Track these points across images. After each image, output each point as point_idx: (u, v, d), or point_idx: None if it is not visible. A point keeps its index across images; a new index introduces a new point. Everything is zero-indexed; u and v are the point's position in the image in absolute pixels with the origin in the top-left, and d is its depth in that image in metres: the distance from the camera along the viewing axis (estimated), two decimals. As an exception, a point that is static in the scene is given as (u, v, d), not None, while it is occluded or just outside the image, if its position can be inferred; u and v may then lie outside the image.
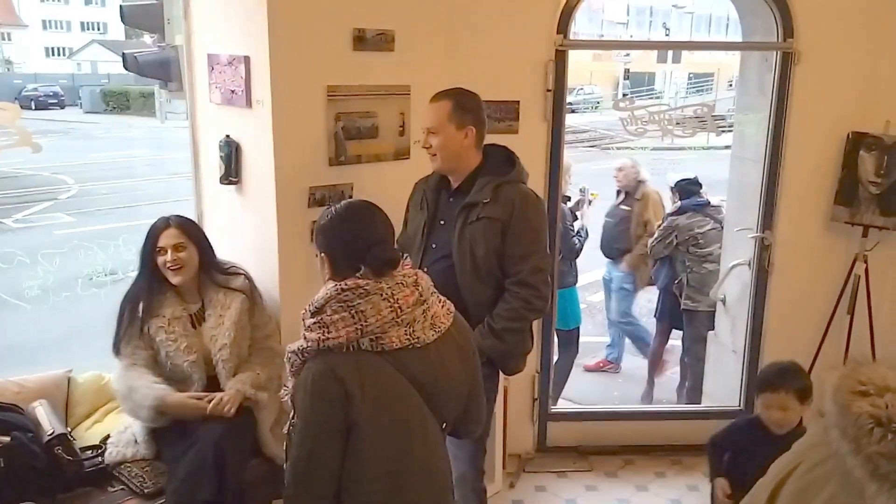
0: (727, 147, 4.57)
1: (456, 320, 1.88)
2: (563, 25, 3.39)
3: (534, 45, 3.41)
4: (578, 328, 5.05)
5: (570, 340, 4.90)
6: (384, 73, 3.08)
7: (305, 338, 1.68)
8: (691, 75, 21.93)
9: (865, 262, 3.59)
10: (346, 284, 1.69)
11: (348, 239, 1.78)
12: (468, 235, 2.49)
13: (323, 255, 1.80)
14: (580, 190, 5.32)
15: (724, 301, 4.26)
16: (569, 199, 4.80)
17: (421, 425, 1.76)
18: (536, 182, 3.44)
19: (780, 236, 3.69)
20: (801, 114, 3.53)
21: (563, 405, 4.46)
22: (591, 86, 19.06)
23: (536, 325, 3.65)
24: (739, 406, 3.94)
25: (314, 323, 1.67)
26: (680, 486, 3.67)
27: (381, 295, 1.68)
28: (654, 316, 5.22)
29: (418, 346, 1.72)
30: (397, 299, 1.69)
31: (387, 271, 1.73)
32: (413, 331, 1.71)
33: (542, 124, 3.48)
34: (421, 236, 2.61)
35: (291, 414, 1.71)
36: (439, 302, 1.84)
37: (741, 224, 3.93)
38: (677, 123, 3.69)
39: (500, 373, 2.72)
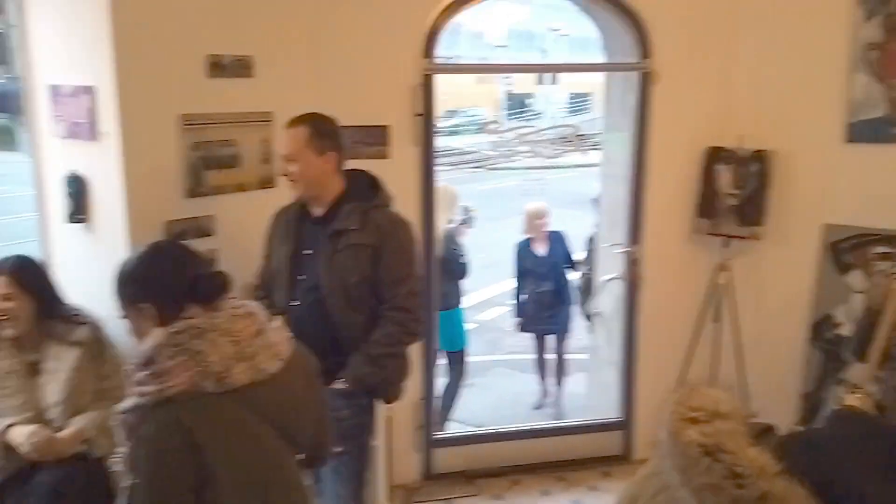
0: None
1: (296, 345, 1.79)
2: (429, 49, 3.39)
3: (400, 70, 3.38)
4: (465, 349, 5.05)
5: (457, 362, 4.88)
6: (244, 100, 2.97)
7: (139, 393, 1.55)
8: (570, 95, 22.76)
9: (728, 271, 3.75)
10: (177, 327, 1.56)
11: (167, 279, 1.65)
12: (337, 264, 2.42)
13: (142, 306, 1.64)
14: (464, 209, 5.36)
15: (599, 315, 4.36)
16: (452, 221, 4.81)
17: (278, 467, 1.66)
18: (410, 206, 3.41)
19: (647, 250, 3.81)
20: (661, 131, 3.67)
21: (452, 429, 4.43)
22: (474, 108, 19.44)
23: (418, 351, 3.63)
24: (620, 417, 4.02)
25: (147, 375, 1.54)
26: (565, 503, 3.69)
27: (218, 331, 1.57)
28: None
29: (264, 378, 1.62)
30: (236, 332, 1.59)
31: (219, 302, 1.62)
32: (257, 363, 1.61)
33: (414, 148, 3.45)
34: (287, 269, 2.51)
35: (130, 478, 1.55)
36: (276, 330, 1.75)
37: (612, 239, 4.03)
38: (552, 143, 3.76)
39: (378, 402, 2.65)
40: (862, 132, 3.44)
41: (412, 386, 3.64)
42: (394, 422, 3.54)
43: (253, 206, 2.95)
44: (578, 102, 22.37)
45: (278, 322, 1.79)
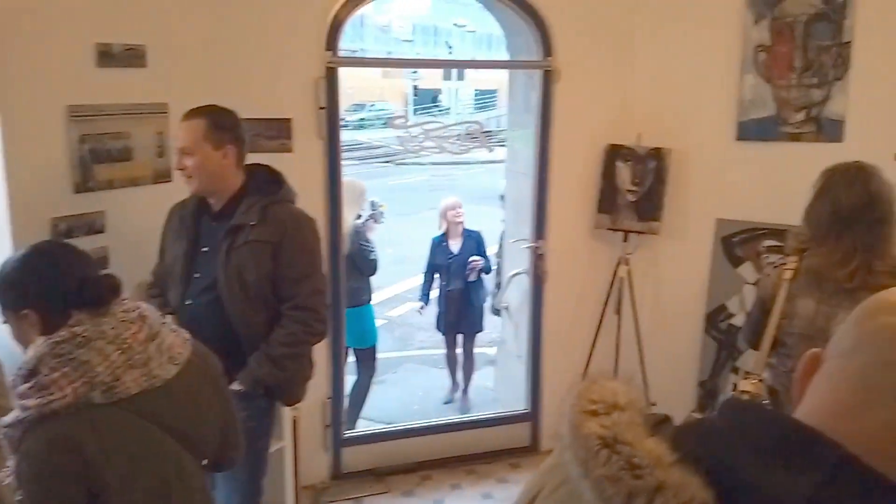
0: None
1: (196, 347, 1.72)
2: (332, 42, 3.33)
3: (302, 62, 3.31)
4: (375, 346, 5.01)
5: (367, 359, 4.84)
6: (136, 91, 2.83)
7: (22, 407, 1.44)
8: (477, 92, 22.97)
9: (628, 265, 3.86)
10: (59, 336, 1.47)
11: (49, 283, 1.55)
12: (235, 261, 2.33)
13: (23, 312, 1.54)
14: (371, 203, 5.30)
15: (507, 309, 4.42)
16: (360, 216, 4.75)
17: (179, 476, 1.59)
18: (315, 200, 3.35)
19: (551, 245, 3.88)
20: (563, 129, 3.74)
21: (363, 426, 4.39)
22: (382, 102, 19.34)
23: (325, 349, 3.57)
24: (527, 409, 4.08)
25: (30, 388, 1.43)
26: (475, 496, 3.72)
27: (106, 338, 1.49)
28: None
29: (159, 385, 1.55)
30: (125, 339, 1.50)
31: (108, 306, 1.54)
32: (150, 370, 1.53)
33: (318, 142, 3.39)
34: (182, 266, 2.41)
35: (17, 493, 1.45)
36: (173, 332, 1.67)
37: (518, 235, 4.09)
38: (458, 139, 3.77)
39: (277, 404, 2.58)
40: (751, 131, 3.60)
41: (320, 385, 3.60)
42: (300, 422, 3.47)
43: (147, 201, 2.82)
44: (485, 99, 22.64)
45: (174, 324, 1.71)
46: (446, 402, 5.37)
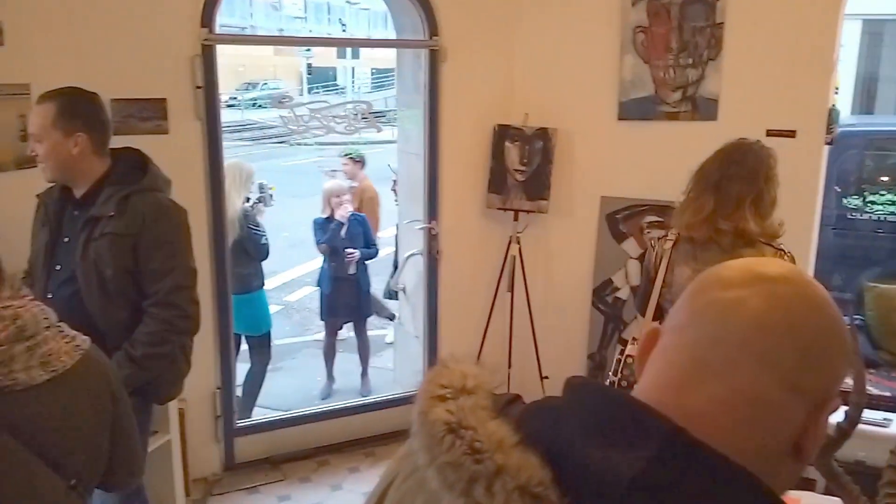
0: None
1: (87, 357, 1.61)
2: (208, 18, 3.19)
3: (176, 39, 3.16)
4: (269, 333, 4.90)
5: (261, 346, 4.72)
6: (-7, 70, 2.63)
7: None
8: (374, 70, 22.69)
9: (519, 243, 3.92)
10: None
11: None
12: (93, 254, 2.19)
13: None
14: (259, 186, 5.13)
15: (404, 290, 4.41)
16: (248, 199, 4.60)
17: (28, 487, 1.49)
18: (194, 185, 3.23)
19: (444, 225, 3.89)
20: (451, 109, 3.74)
21: (260, 414, 4.28)
22: (275, 80, 18.82)
23: (212, 338, 3.46)
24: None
25: None
26: (373, 478, 3.66)
27: None
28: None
29: (18, 388, 1.45)
30: None
31: None
32: (10, 370, 1.43)
33: (196, 123, 3.25)
34: (44, 257, 2.26)
35: None
36: (63, 337, 1.56)
37: (412, 216, 4.08)
38: (346, 119, 3.70)
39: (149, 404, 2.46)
40: (631, 110, 3.72)
41: (208, 375, 3.49)
42: (188, 414, 3.37)
43: (9, 188, 2.65)
44: (383, 78, 22.41)
45: (71, 331, 1.59)
46: (323, 398, 5.04)
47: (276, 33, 18.05)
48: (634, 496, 0.61)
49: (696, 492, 0.62)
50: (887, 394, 3.63)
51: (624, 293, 3.95)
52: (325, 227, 4.91)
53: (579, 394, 0.72)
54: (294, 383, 5.41)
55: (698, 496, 0.62)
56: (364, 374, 5.19)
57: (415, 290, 4.21)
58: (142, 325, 2.23)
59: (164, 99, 3.15)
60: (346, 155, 5.55)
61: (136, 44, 3.07)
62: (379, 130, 3.94)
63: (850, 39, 11.00)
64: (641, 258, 3.89)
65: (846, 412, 1.60)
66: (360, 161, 5.51)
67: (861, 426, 3.55)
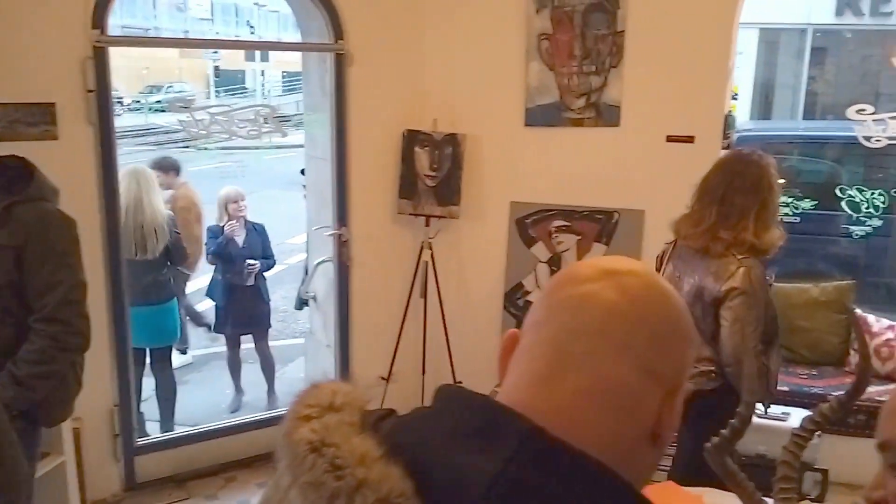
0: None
1: None
2: (99, 20, 3.04)
3: (65, 41, 2.99)
4: (175, 345, 4.72)
5: (163, 360, 4.54)
6: None
7: None
8: (285, 73, 22.30)
9: (431, 249, 3.91)
10: None
11: None
12: None
13: None
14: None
15: (314, 298, 4.33)
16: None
17: None
18: (86, 192, 3.08)
19: (355, 231, 3.84)
20: (359, 113, 3.70)
21: (174, 430, 4.12)
22: (180, 83, 18.22)
23: (108, 353, 3.30)
24: (335, 400, 4.02)
25: None
26: (284, 493, 3.61)
27: None
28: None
29: None
30: None
31: None
32: None
33: (87, 128, 3.09)
34: None
35: None
36: None
37: (321, 222, 4.00)
38: (250, 123, 3.59)
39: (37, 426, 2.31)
40: (537, 117, 3.76)
41: (105, 392, 3.33)
42: (84, 433, 3.19)
43: None
44: (294, 81, 22.04)
45: None
46: (232, 411, 4.86)
47: (181, 35, 17.51)
48: (492, 499, 0.61)
49: (554, 491, 0.63)
50: (785, 388, 3.80)
51: (534, 297, 4.00)
52: (218, 235, 4.73)
53: (445, 401, 0.73)
54: (202, 397, 5.23)
55: (556, 495, 0.63)
56: (270, 390, 4.97)
57: (325, 298, 4.14)
58: (27, 343, 2.09)
59: (53, 103, 2.98)
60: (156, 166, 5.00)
61: (23, 45, 2.90)
62: (284, 135, 3.85)
63: (747, 47, 11.55)
64: (550, 262, 3.96)
65: (738, 412, 1.64)
66: (174, 169, 5.12)
67: (762, 420, 3.71)
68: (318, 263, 4.06)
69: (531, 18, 3.65)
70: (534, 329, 0.77)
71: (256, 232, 4.80)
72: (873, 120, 3.95)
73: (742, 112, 10.78)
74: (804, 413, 1.69)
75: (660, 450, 0.75)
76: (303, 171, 4.92)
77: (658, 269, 2.77)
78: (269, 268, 4.86)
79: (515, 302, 4.02)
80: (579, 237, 3.89)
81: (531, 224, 3.95)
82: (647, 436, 0.73)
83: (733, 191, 2.50)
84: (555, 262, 3.94)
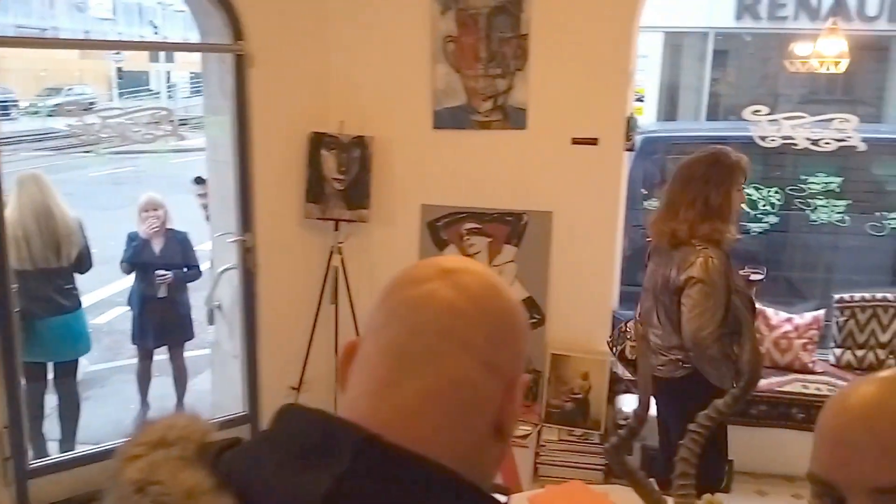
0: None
1: None
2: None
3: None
4: (80, 359, 4.47)
5: (69, 374, 4.30)
6: None
7: None
8: (192, 74, 21.63)
9: (340, 254, 3.84)
10: None
11: None
12: None
13: None
14: None
15: (220, 307, 4.19)
16: None
17: None
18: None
19: (260, 237, 3.73)
20: (262, 115, 3.59)
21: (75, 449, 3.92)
22: (81, 86, 17.42)
23: (-5, 372, 3.09)
24: (244, 411, 3.91)
25: None
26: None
27: None
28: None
29: None
30: None
31: None
32: None
33: (-36, 134, 2.90)
34: None
35: None
36: None
37: (225, 228, 3.88)
38: (146, 126, 3.44)
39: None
40: (446, 119, 3.75)
41: (-8, 413, 3.12)
42: (-33, 461, 2.99)
43: None
44: (201, 83, 21.21)
45: None
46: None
47: (82, 36, 16.76)
48: None
49: (393, 499, 0.62)
50: (689, 382, 3.91)
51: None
52: (137, 243, 4.56)
53: (282, 421, 0.70)
54: (105, 414, 5.00)
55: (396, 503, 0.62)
56: (179, 404, 4.81)
57: (232, 306, 4.01)
58: None
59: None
60: None
61: None
62: (182, 138, 3.71)
63: (652, 51, 11.91)
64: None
65: (634, 410, 1.66)
66: None
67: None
68: (223, 271, 3.93)
69: (436, 20, 3.63)
70: (373, 335, 0.76)
71: (177, 241, 4.62)
72: (768, 121, 4.12)
73: (649, 113, 11.11)
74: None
75: (504, 442, 0.76)
76: (197, 180, 4.76)
77: (645, 266, 2.92)
78: (191, 279, 4.68)
79: (428, 305, 3.99)
80: (490, 239, 3.90)
81: (443, 227, 3.93)
82: (491, 430, 0.73)
83: (673, 183, 2.67)
84: (467, 265, 3.94)
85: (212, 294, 4.11)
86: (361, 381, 0.74)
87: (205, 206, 4.59)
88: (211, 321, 4.30)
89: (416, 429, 0.68)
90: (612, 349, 3.16)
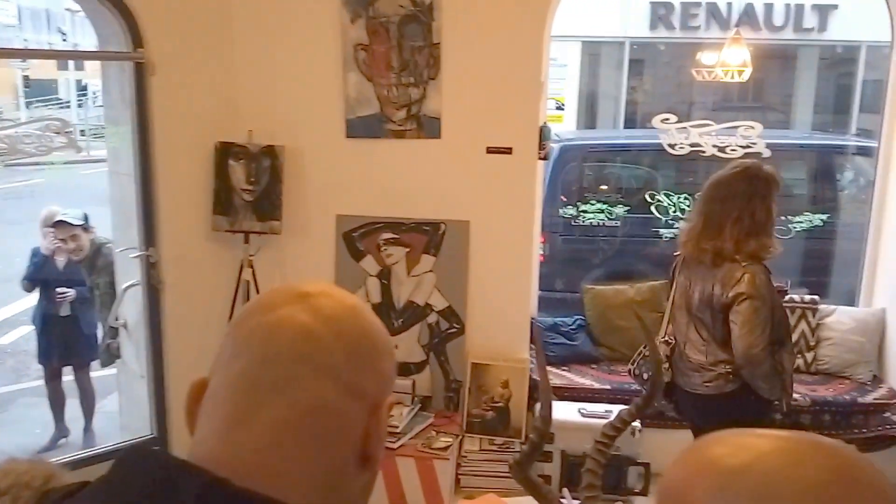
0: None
1: None
2: None
3: None
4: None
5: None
6: None
7: None
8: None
9: (252, 267, 3.72)
10: None
11: None
12: None
13: None
14: None
15: (125, 326, 4.00)
16: None
17: None
18: None
19: (165, 252, 3.57)
20: (165, 125, 3.45)
21: None
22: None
23: None
24: (152, 433, 3.74)
25: None
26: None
27: None
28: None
29: None
30: None
31: None
32: None
33: None
34: None
35: None
36: None
37: (129, 243, 3.71)
38: (39, 138, 3.25)
39: None
40: (359, 128, 3.69)
41: None
42: None
43: None
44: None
45: None
46: (49, 449, 4.44)
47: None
48: None
49: None
50: (608, 387, 3.95)
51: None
52: (42, 261, 4.35)
53: (123, 467, 0.66)
54: (8, 438, 4.72)
55: None
56: (87, 427, 4.60)
57: (137, 324, 3.84)
58: None
59: None
60: None
61: None
62: (79, 150, 3.53)
63: (571, 60, 12.13)
64: (381, 275, 3.89)
65: (534, 425, 1.64)
66: None
67: (586, 420, 3.80)
68: (126, 288, 3.75)
69: (346, 28, 3.57)
70: (223, 368, 0.71)
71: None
72: (677, 129, 4.21)
73: (569, 122, 11.30)
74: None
75: (371, 472, 0.72)
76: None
77: (671, 282, 2.93)
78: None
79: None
80: (408, 249, 3.85)
81: (359, 237, 3.87)
82: (356, 458, 0.70)
83: (711, 201, 2.66)
84: (385, 276, 3.88)
85: (115, 311, 3.92)
86: (208, 421, 0.69)
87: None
88: (113, 339, 4.10)
89: (271, 465, 0.64)
90: (636, 377, 3.08)
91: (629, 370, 3.15)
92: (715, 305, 2.64)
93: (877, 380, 3.90)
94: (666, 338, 2.93)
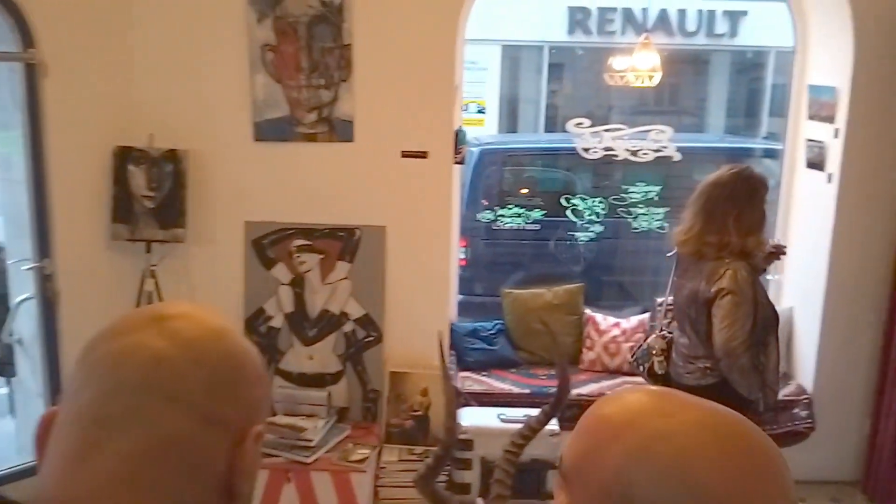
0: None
1: None
2: None
3: None
4: None
5: None
6: None
7: None
8: None
9: (154, 277, 3.55)
10: None
11: None
12: None
13: None
14: None
15: (20, 342, 3.76)
16: None
17: None
18: None
19: (61, 263, 3.37)
20: (59, 129, 3.25)
21: None
22: None
23: None
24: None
25: None
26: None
27: None
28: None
29: None
30: None
31: None
32: None
33: None
34: None
35: None
36: None
37: (22, 254, 3.48)
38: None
39: None
40: (267, 131, 3.57)
41: None
42: None
43: None
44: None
45: None
46: None
47: None
48: None
49: None
50: (527, 391, 3.93)
51: (278, 321, 3.79)
52: None
53: None
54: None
55: None
56: None
57: (33, 340, 3.61)
58: None
59: None
60: None
61: None
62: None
63: (492, 63, 12.18)
64: (293, 283, 3.77)
65: (440, 438, 1.58)
66: None
67: (506, 425, 3.79)
68: (20, 302, 3.53)
69: (252, 28, 3.45)
70: (70, 400, 0.66)
71: None
72: (590, 133, 4.24)
73: (490, 126, 11.34)
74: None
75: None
76: None
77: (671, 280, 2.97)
78: None
79: (258, 329, 3.78)
80: (322, 256, 3.75)
81: (269, 245, 3.74)
82: (220, 494, 0.66)
83: (712, 200, 2.72)
84: (298, 284, 3.77)
85: (8, 326, 3.67)
86: (53, 456, 0.64)
87: None
88: (8, 355, 3.84)
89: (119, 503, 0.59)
90: (637, 367, 3.13)
91: (630, 362, 3.25)
92: (699, 301, 2.72)
93: (785, 377, 4.01)
94: (663, 332, 3.02)
